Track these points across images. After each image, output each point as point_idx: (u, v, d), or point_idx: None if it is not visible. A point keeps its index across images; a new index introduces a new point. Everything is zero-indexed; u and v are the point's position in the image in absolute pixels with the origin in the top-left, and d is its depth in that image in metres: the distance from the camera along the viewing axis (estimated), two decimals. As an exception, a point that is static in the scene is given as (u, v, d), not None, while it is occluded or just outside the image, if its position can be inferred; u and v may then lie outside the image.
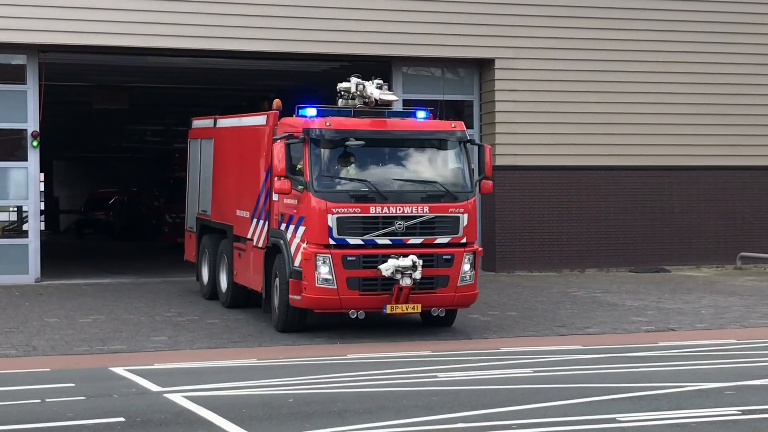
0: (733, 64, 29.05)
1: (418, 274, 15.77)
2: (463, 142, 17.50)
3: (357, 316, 16.36)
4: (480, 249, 17.75)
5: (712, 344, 16.00)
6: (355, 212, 16.42)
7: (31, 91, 24.81)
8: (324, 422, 10.15)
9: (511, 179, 27.16)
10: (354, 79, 17.31)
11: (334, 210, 16.24)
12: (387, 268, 15.72)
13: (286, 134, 17.00)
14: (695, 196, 28.76)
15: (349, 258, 16.20)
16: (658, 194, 28.52)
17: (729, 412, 10.56)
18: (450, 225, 16.79)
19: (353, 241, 16.36)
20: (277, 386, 12.32)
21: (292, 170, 16.61)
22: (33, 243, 25.07)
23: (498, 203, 27.10)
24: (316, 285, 16.11)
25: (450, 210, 16.81)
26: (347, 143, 16.52)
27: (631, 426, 9.96)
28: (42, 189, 28.10)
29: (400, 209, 16.43)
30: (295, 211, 16.90)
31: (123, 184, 52.01)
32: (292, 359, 14.69)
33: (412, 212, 16.50)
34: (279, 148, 16.37)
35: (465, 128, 17.74)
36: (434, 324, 17.88)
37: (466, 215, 16.87)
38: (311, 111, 16.97)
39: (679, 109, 28.60)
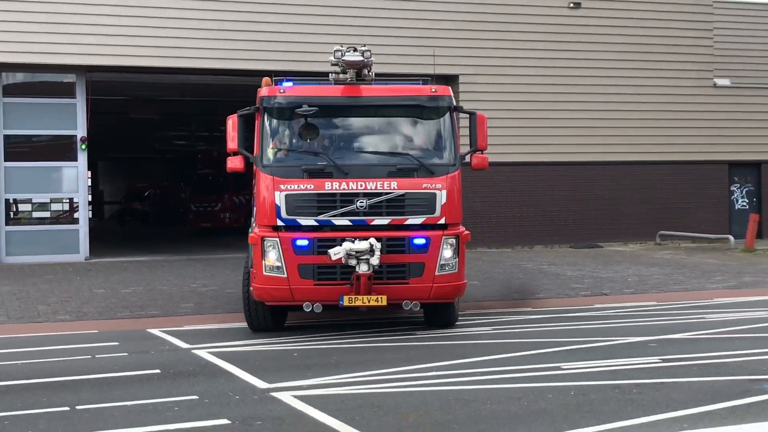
0: (651, 85, 29.11)
1: (376, 260, 11.61)
2: (450, 110, 12.85)
3: (313, 310, 12.04)
4: (467, 232, 12.91)
5: (637, 306, 16.08)
6: (307, 189, 12.08)
7: (79, 103, 24.76)
8: (322, 371, 10.19)
9: (472, 175, 27.01)
10: (336, 47, 12.75)
11: (282, 186, 12.07)
12: (336, 252, 11.51)
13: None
14: (622, 186, 28.85)
15: (299, 242, 11.97)
16: (593, 184, 28.58)
17: (652, 361, 10.65)
18: (424, 203, 12.22)
19: (305, 222, 12.10)
20: (285, 343, 12.39)
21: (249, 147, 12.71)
22: (82, 228, 25.02)
23: (464, 194, 27.07)
24: (264, 273, 12.09)
25: (423, 186, 12.21)
26: (297, 110, 12.24)
27: (572, 373, 10.03)
28: (89, 184, 28.03)
29: (362, 185, 12.04)
30: (255, 191, 12.88)
31: (156, 179, 52.00)
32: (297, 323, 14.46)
33: (376, 188, 12.03)
34: (231, 122, 12.50)
35: (451, 93, 13.03)
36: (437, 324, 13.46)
37: (443, 192, 12.27)
38: (287, 83, 12.87)
39: (609, 115, 28.67)
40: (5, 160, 24.14)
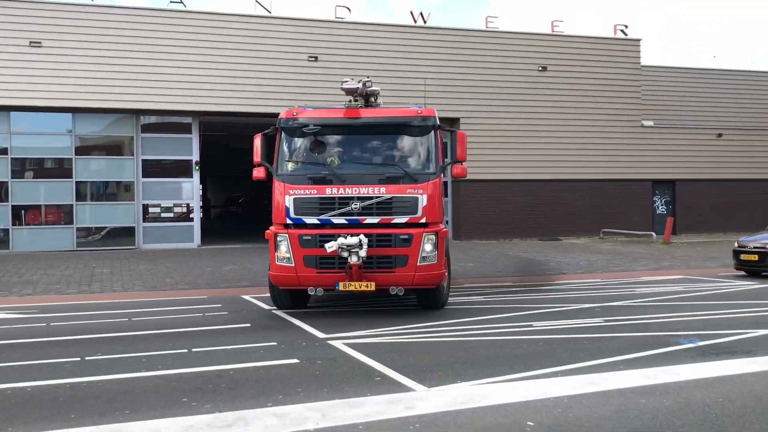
0: (597, 124, 29.02)
1: (363, 252, 10.53)
2: (434, 128, 11.62)
3: (316, 293, 11.12)
4: (445, 230, 11.65)
5: (587, 282, 15.96)
6: (311, 193, 11.10)
7: (194, 138, 24.98)
8: (362, 327, 10.10)
9: (469, 186, 27.16)
10: (345, 79, 11.93)
11: (291, 192, 11.17)
12: (331, 246, 10.50)
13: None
14: (576, 196, 28.69)
15: (305, 237, 10.97)
16: (555, 194, 28.47)
17: (597, 321, 10.54)
18: (408, 205, 11.04)
19: (309, 220, 11.08)
20: (331, 307, 12.34)
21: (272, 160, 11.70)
22: (196, 224, 25.25)
23: (462, 200, 27.16)
24: (276, 263, 11.15)
25: (408, 191, 11.06)
26: (304, 129, 11.47)
27: (541, 329, 9.97)
28: (200, 193, 28.21)
29: (356, 190, 11.02)
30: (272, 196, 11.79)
31: (246, 190, 52.21)
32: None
33: (368, 193, 11.01)
34: (257, 141, 11.75)
35: (435, 114, 11.84)
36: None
37: (425, 196, 11.06)
38: (308, 109, 11.93)
39: (567, 145, 28.62)
40: (143, 177, 24.42)
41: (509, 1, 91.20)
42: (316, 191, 11.08)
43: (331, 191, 11.07)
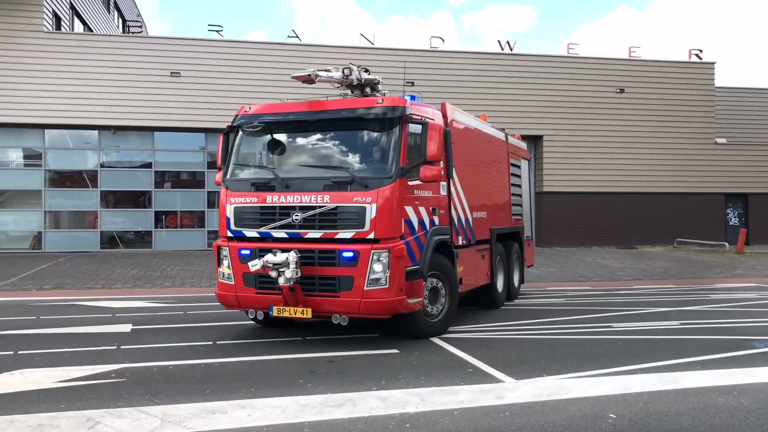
0: (673, 142, 27.91)
1: (290, 273, 7.76)
2: (399, 120, 8.11)
3: (256, 317, 8.68)
4: (399, 247, 7.90)
5: (662, 287, 15.34)
6: (251, 202, 8.44)
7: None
8: (453, 324, 10.07)
9: (552, 198, 26.66)
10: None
11: (232, 200, 8.60)
12: (254, 264, 7.93)
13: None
14: (651, 207, 27.64)
15: (243, 252, 8.33)
16: (631, 206, 27.51)
17: (673, 324, 10.13)
18: (354, 217, 7.92)
19: (249, 233, 8.43)
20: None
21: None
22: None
23: (545, 210, 26.65)
24: (219, 280, 8.73)
25: (354, 200, 7.89)
26: (246, 128, 8.78)
27: (620, 330, 9.65)
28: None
29: (298, 198, 8.11)
30: None
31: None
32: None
33: (310, 202, 8.04)
34: (219, 141, 9.11)
35: (402, 104, 8.24)
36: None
37: (373, 206, 7.82)
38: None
39: (644, 162, 27.66)
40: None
41: (590, 30, 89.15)
42: (256, 199, 8.46)
43: (271, 199, 8.34)
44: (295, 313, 8.09)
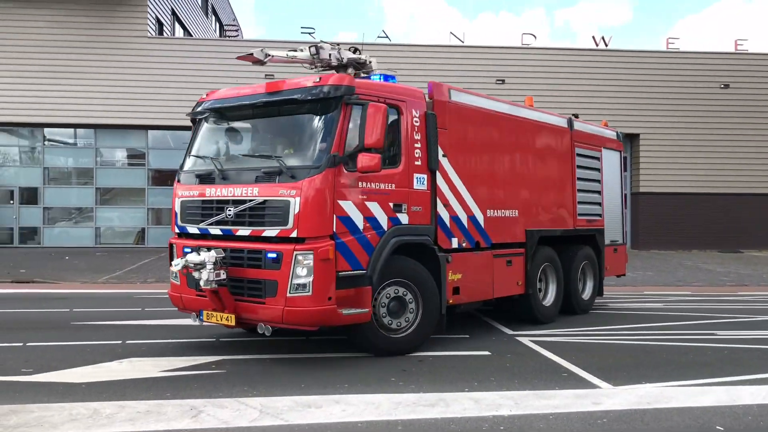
0: (784, 135, 26.31)
1: (206, 274, 6.91)
2: (340, 103, 7.09)
3: (198, 320, 7.62)
4: (324, 248, 6.81)
5: (771, 294, 14.52)
6: (193, 195, 7.73)
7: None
8: (545, 327, 9.84)
9: (649, 199, 25.73)
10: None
11: (179, 193, 7.94)
12: (176, 263, 7.23)
13: None
14: (758, 210, 26.19)
15: (186, 250, 7.52)
16: (735, 207, 26.17)
17: (785, 333, 9.57)
18: (279, 213, 6.98)
19: (191, 230, 7.74)
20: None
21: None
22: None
23: (641, 211, 25.76)
24: (171, 279, 8.00)
25: (279, 193, 6.97)
26: (194, 116, 8.12)
27: (725, 338, 9.17)
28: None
29: (231, 192, 7.31)
30: None
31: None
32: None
33: (241, 195, 7.21)
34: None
35: (343, 82, 7.20)
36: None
37: (297, 199, 6.84)
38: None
39: (748, 162, 26.20)
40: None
41: (691, 23, 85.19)
42: (197, 192, 7.73)
43: (210, 192, 7.57)
44: (221, 320, 7.29)
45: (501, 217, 9.21)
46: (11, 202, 24.49)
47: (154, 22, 25.28)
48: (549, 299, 10.29)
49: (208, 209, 7.58)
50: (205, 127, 8.19)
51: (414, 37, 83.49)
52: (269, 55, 8.13)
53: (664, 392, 6.29)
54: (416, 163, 7.80)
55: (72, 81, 23.69)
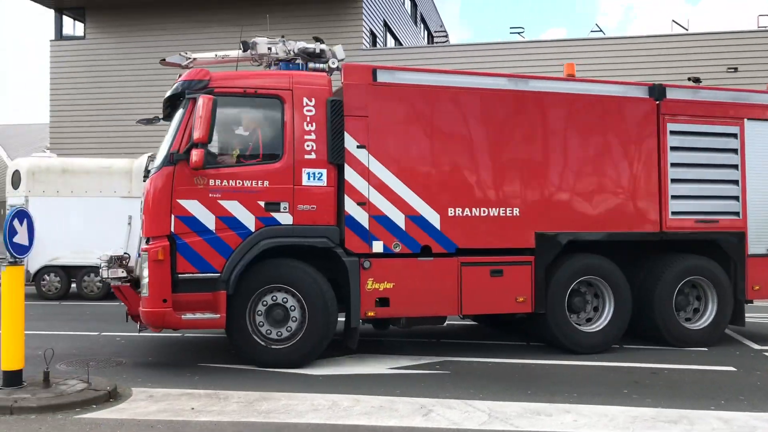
0: None
1: (106, 272, 7.21)
2: (186, 99, 6.99)
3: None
4: (154, 249, 6.60)
5: None
6: None
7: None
8: (803, 342, 8.70)
9: None
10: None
11: None
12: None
13: None
14: None
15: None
16: None
17: None
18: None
19: None
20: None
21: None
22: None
23: None
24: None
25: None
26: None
27: None
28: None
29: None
30: None
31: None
32: None
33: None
34: None
35: (192, 77, 7.02)
36: None
37: (140, 200, 7.40)
38: None
39: None
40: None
41: None
42: None
43: None
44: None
45: (479, 217, 7.57)
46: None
47: (368, 34, 26.56)
48: (597, 323, 8.03)
49: None
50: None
51: (631, 29, 79.13)
52: (191, 59, 7.98)
53: None
54: (307, 156, 7.04)
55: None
